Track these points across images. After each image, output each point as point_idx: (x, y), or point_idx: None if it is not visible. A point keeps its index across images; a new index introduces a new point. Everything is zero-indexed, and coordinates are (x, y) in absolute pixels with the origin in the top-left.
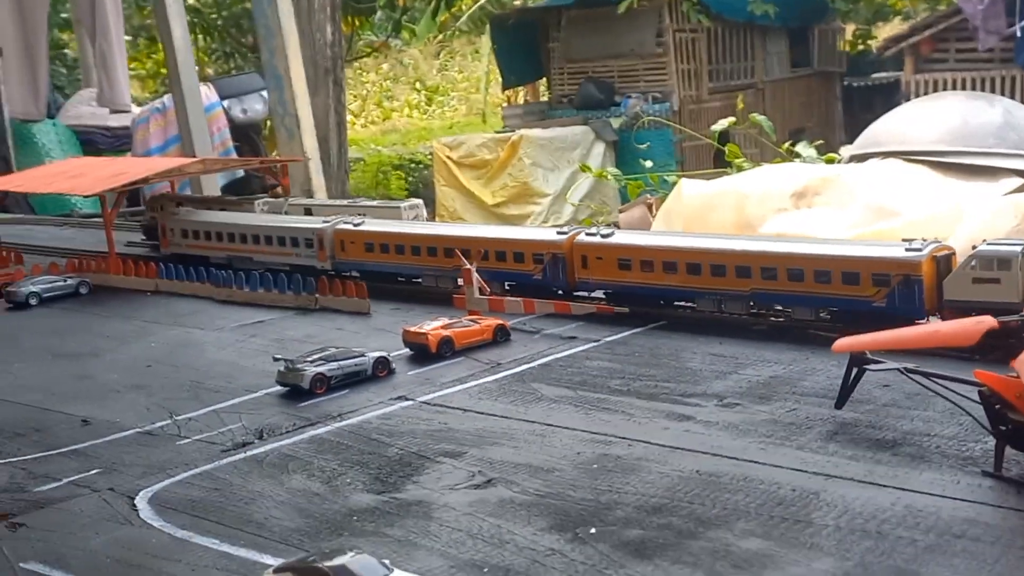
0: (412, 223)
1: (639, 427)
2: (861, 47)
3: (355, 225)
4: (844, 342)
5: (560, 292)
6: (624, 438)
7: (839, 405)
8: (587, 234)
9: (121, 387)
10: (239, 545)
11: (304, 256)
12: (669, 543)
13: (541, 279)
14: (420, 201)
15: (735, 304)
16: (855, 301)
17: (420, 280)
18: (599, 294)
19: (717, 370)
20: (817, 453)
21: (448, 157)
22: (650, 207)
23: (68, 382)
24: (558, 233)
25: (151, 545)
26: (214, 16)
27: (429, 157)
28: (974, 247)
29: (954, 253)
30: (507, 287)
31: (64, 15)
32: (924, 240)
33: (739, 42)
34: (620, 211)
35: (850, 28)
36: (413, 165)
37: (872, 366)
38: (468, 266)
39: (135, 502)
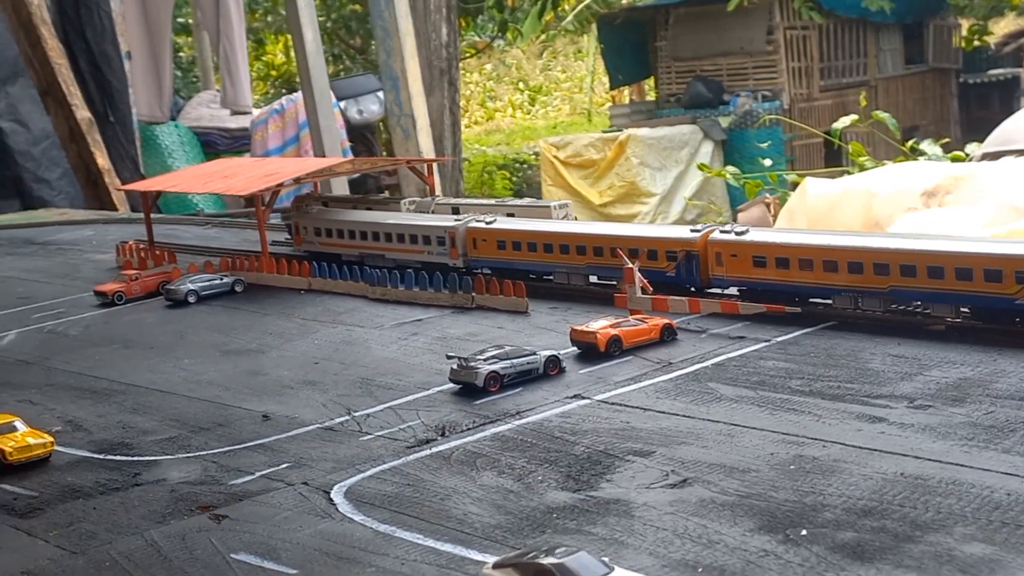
0: (543, 221)
1: (830, 428)
2: (977, 43)
3: (487, 223)
4: None
5: (693, 289)
6: (817, 439)
7: None
8: (721, 231)
9: (293, 383)
10: (443, 540)
11: (436, 254)
12: (887, 546)
13: (674, 276)
14: (568, 201)
15: (872, 301)
16: (996, 299)
17: (552, 277)
18: (733, 291)
19: (901, 371)
20: None
21: (555, 157)
22: (768, 206)
23: (241, 378)
24: (691, 231)
25: (356, 539)
26: (323, 18)
27: (533, 157)
28: None
29: None
30: None
31: (180, 19)
32: None
33: (851, 39)
34: (739, 210)
35: (965, 24)
36: (517, 165)
37: None
38: (630, 265)
39: (331, 496)
